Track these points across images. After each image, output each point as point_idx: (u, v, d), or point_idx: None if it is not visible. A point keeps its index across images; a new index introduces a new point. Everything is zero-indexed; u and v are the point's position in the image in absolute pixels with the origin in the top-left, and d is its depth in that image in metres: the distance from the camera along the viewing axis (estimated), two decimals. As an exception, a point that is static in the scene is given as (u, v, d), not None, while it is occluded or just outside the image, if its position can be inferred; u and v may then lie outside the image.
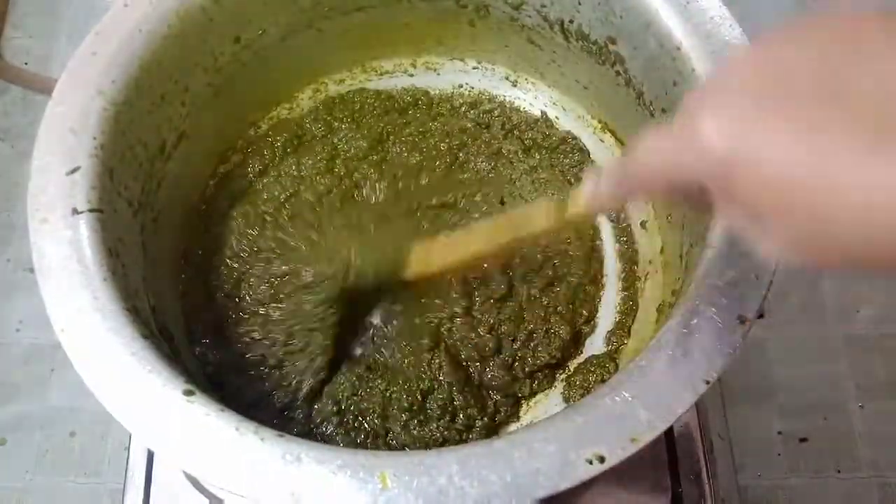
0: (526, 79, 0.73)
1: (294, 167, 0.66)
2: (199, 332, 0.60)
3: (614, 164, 0.37)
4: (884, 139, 0.23)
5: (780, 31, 0.28)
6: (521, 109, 0.72)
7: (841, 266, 0.27)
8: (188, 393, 0.40)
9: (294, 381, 0.57)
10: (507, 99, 0.73)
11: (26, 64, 1.17)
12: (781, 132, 0.25)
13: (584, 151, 0.69)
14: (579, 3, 0.60)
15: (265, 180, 0.65)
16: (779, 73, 0.27)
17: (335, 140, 0.68)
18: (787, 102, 0.26)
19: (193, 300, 0.61)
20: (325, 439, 0.56)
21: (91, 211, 0.46)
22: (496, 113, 0.72)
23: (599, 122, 0.70)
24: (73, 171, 0.47)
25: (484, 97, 0.73)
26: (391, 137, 0.69)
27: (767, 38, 0.28)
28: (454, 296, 0.61)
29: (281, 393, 0.57)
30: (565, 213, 0.44)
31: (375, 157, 0.68)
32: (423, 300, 0.61)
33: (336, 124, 0.69)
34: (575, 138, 0.70)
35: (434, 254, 0.57)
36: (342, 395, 0.57)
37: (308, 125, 0.69)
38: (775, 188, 0.26)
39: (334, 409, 0.57)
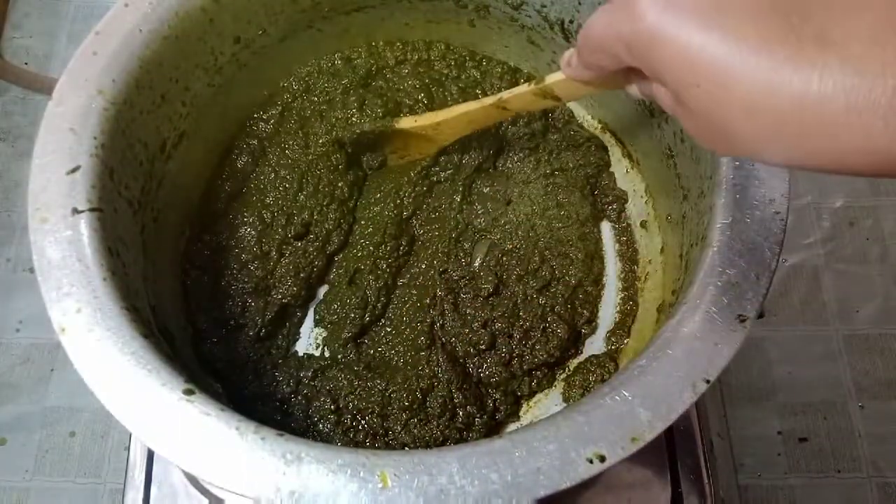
0: (525, 78, 0.73)
1: (302, 156, 0.66)
2: (203, 329, 0.60)
3: (577, 41, 0.39)
4: (786, 41, 0.25)
5: None
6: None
7: (735, 153, 0.29)
8: (188, 392, 0.40)
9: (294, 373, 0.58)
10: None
11: (26, 64, 1.17)
12: (703, 14, 0.27)
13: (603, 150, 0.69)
14: (579, 3, 0.60)
15: (272, 175, 0.65)
16: None
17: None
18: None
19: (197, 299, 0.61)
20: (323, 438, 0.56)
21: (91, 210, 0.46)
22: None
23: (599, 122, 0.70)
24: (74, 170, 0.47)
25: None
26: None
27: None
28: (439, 293, 0.62)
29: (283, 385, 0.58)
30: (545, 91, 0.48)
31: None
32: (413, 295, 0.62)
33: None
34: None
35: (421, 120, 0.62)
36: (340, 394, 0.57)
37: (307, 109, 0.69)
38: (685, 65, 0.28)
39: (332, 407, 0.57)
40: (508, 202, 0.66)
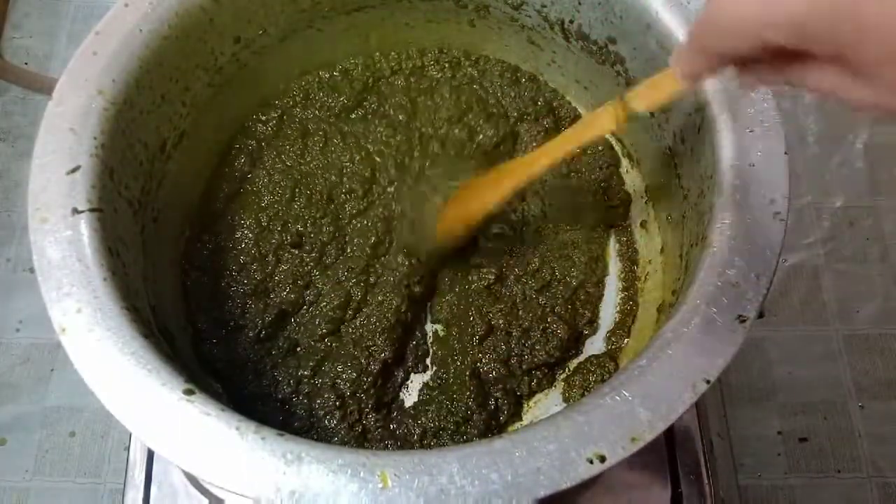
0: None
1: (295, 164, 0.66)
2: (202, 329, 0.60)
3: (693, 29, 0.35)
4: None
5: None
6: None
7: None
8: (188, 392, 0.40)
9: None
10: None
11: (26, 64, 1.17)
12: None
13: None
14: (579, 4, 0.60)
15: (266, 179, 0.65)
16: None
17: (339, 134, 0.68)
18: None
19: (197, 299, 0.61)
20: (329, 434, 0.56)
21: (91, 210, 0.46)
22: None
23: (599, 121, 0.70)
24: (74, 170, 0.47)
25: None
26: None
27: None
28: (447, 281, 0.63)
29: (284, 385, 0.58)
30: (628, 111, 0.45)
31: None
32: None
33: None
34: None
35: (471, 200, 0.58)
36: (345, 388, 0.57)
37: (309, 122, 0.69)
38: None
39: (337, 402, 0.57)
40: (523, 198, 0.67)
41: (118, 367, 0.41)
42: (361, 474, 0.38)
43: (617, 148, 0.69)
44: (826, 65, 0.30)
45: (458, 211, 0.59)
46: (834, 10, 0.27)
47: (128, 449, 0.61)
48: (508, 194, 0.55)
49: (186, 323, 0.60)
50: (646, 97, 0.44)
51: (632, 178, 0.68)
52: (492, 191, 0.56)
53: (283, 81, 0.69)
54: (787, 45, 0.29)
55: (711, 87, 0.50)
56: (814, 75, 0.31)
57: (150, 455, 0.60)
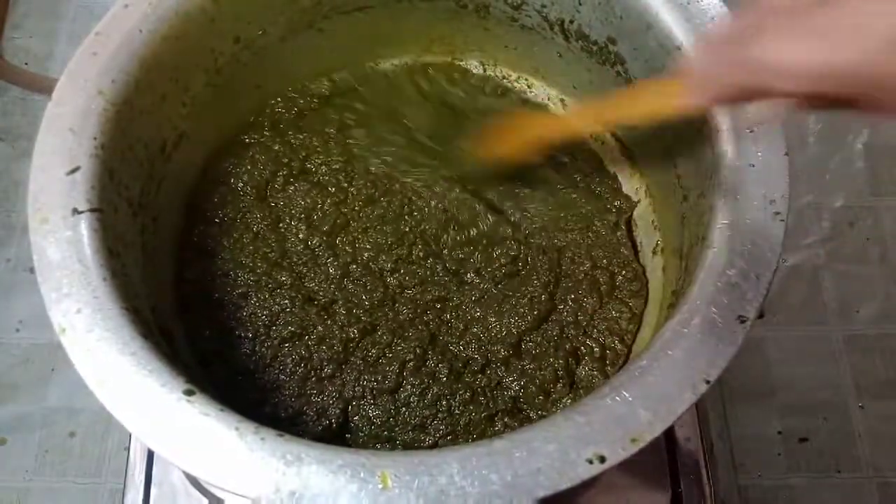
0: (526, 79, 0.73)
1: (296, 165, 0.66)
2: (202, 331, 0.60)
3: (728, 57, 0.34)
4: None
5: None
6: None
7: None
8: (188, 393, 0.40)
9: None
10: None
11: (26, 64, 1.17)
12: None
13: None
14: (579, 4, 0.60)
15: (266, 179, 0.65)
16: None
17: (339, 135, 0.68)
18: None
19: (196, 300, 0.61)
20: (329, 437, 0.56)
21: (91, 211, 0.46)
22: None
23: (599, 122, 0.70)
24: (74, 170, 0.47)
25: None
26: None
27: None
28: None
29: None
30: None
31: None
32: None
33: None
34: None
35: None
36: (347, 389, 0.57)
37: (309, 122, 0.69)
38: None
39: (341, 407, 0.57)
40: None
41: (118, 368, 0.41)
42: (361, 475, 0.38)
43: (617, 147, 0.69)
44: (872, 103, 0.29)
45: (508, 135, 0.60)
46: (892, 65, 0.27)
47: (128, 449, 0.61)
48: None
49: (187, 323, 0.60)
50: (637, 110, 0.45)
51: (632, 179, 0.67)
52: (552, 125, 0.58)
53: (284, 83, 0.69)
54: (841, 94, 0.29)
55: (711, 87, 0.50)
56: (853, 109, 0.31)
57: (150, 455, 0.60)
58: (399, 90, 0.70)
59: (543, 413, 0.56)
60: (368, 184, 0.65)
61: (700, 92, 0.38)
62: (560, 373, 0.57)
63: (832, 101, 0.30)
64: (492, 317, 0.59)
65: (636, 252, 0.65)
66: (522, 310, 0.59)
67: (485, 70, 0.73)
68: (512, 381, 0.57)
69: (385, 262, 0.62)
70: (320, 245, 0.63)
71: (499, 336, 0.59)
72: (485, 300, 0.60)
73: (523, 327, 0.59)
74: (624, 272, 0.62)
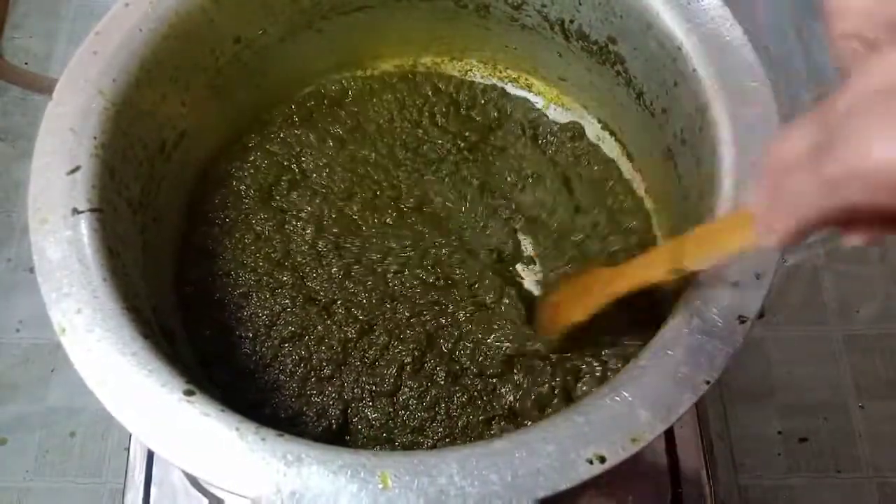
0: (526, 78, 0.73)
1: (296, 165, 0.66)
2: (202, 331, 0.60)
3: (802, 176, 0.26)
4: None
5: None
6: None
7: None
8: (188, 393, 0.40)
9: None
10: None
11: (26, 64, 1.17)
12: None
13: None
14: (579, 3, 0.60)
15: (270, 182, 0.65)
16: None
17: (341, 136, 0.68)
18: None
19: (196, 301, 0.61)
20: (330, 437, 0.56)
21: (91, 210, 0.46)
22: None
23: (599, 121, 0.70)
24: (74, 170, 0.47)
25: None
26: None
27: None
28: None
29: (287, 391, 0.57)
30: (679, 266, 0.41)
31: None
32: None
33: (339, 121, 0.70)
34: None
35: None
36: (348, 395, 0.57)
37: (310, 123, 0.69)
38: None
39: (340, 408, 0.57)
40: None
41: (118, 368, 0.41)
42: (361, 475, 0.38)
43: (617, 148, 0.69)
44: None
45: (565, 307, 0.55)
46: None
47: (128, 449, 0.61)
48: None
49: (187, 323, 0.60)
50: (705, 252, 0.39)
51: (632, 179, 0.67)
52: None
53: (284, 83, 0.69)
54: None
55: (712, 87, 0.50)
56: None
57: (150, 455, 0.60)
58: (399, 100, 0.70)
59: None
60: (373, 185, 0.65)
61: (771, 237, 0.30)
62: (556, 391, 0.56)
63: None
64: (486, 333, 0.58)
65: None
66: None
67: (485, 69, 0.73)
68: (507, 392, 0.57)
69: (390, 265, 0.62)
70: (327, 246, 0.63)
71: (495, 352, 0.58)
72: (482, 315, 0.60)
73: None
74: None
